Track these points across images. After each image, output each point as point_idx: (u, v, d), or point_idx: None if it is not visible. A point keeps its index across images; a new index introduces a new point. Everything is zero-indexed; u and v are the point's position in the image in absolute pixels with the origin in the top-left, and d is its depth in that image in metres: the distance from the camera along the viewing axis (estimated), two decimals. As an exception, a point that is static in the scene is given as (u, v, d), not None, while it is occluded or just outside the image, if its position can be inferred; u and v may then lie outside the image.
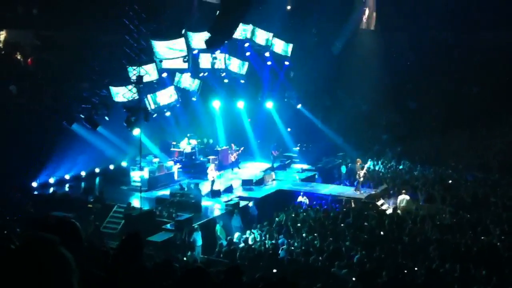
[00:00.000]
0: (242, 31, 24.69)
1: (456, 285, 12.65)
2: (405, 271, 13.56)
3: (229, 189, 22.24)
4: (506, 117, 32.19)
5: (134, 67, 21.03)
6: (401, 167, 28.75)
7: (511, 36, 32.39)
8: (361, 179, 22.96)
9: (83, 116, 21.41)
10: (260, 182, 23.68)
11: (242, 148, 27.02)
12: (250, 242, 16.50)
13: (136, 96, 21.26)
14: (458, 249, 15.29)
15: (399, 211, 20.18)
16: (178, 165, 24.38)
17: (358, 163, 23.63)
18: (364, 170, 23.45)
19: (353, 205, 20.93)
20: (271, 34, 26.79)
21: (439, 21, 34.34)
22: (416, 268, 13.78)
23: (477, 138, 31.34)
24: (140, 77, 20.55)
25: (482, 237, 16.69)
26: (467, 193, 22.78)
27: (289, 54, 28.62)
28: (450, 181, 25.08)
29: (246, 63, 26.56)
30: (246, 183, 23.34)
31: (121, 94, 21.71)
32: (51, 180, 22.44)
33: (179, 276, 6.97)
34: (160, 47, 22.50)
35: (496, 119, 32.07)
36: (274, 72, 30.37)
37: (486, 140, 31.18)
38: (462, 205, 20.85)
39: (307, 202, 21.54)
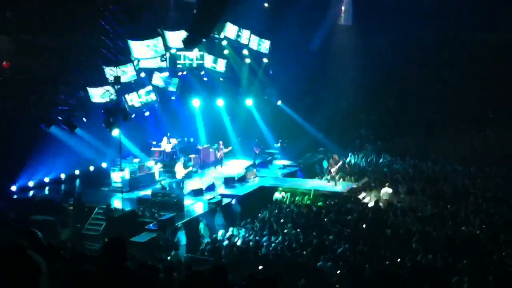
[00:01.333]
0: (219, 29, 24.65)
1: (438, 275, 12.82)
2: (388, 263, 13.72)
3: (211, 187, 22.18)
4: (485, 113, 32.85)
5: (111, 68, 20.84)
6: (381, 160, 29.05)
7: (494, 37, 32.98)
8: (333, 174, 23.14)
9: (60, 118, 21.15)
10: (242, 179, 23.69)
11: (230, 148, 27.02)
12: (234, 239, 16.51)
13: (114, 97, 21.08)
14: (439, 240, 15.51)
15: (380, 204, 20.39)
16: (159, 165, 24.26)
17: (334, 159, 23.79)
18: (339, 165, 23.61)
19: (335, 199, 21.06)
20: (248, 32, 26.79)
21: (418, 19, 34.65)
22: (398, 260, 13.94)
23: (456, 132, 31.80)
24: (117, 78, 20.38)
25: (463, 228, 16.94)
26: (447, 184, 23.16)
27: (267, 52, 28.68)
28: (429, 174, 25.44)
29: (224, 61, 26.53)
30: (228, 181, 23.30)
31: (99, 95, 21.51)
32: (31, 184, 22.16)
33: (161, 277, 6.97)
34: (137, 47, 22.37)
35: (475, 115, 32.70)
36: (253, 70, 30.40)
37: (465, 134, 31.70)
38: (442, 197, 21.17)
39: (288, 197, 21.59)
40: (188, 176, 22.74)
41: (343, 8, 36.64)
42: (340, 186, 22.82)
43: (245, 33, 26.62)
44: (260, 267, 13.19)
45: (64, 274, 4.77)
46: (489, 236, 15.90)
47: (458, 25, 33.69)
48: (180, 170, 21.94)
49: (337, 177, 23.23)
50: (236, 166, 26.69)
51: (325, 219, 17.99)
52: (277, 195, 21.83)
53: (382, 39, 35.43)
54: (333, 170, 23.19)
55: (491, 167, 26.11)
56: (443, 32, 34.80)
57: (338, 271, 13.26)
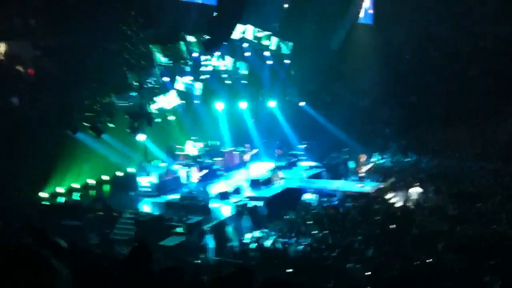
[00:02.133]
0: (240, 31, 24.70)
1: (464, 276, 12.65)
2: (415, 263, 13.59)
3: (237, 190, 22.21)
4: (508, 108, 32.31)
5: (135, 73, 21.05)
6: (407, 159, 28.79)
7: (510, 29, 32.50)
8: (363, 174, 22.95)
9: (87, 124, 21.40)
10: (268, 181, 23.67)
11: (256, 150, 27.03)
12: (261, 242, 16.52)
13: (138, 102, 21.27)
14: (466, 240, 15.29)
15: (408, 204, 20.19)
16: (186, 169, 24.38)
17: (362, 159, 23.64)
18: (370, 166, 23.51)
19: (362, 199, 20.90)
20: (270, 33, 26.80)
21: (436, 14, 34.34)
22: (426, 260, 13.79)
23: (480, 128, 31.40)
24: (141, 83, 20.58)
25: (490, 227, 16.66)
26: (473, 183, 22.84)
27: (288, 53, 28.64)
28: (455, 172, 25.16)
29: (246, 63, 26.62)
30: (254, 183, 23.31)
31: (123, 100, 21.74)
32: (60, 190, 22.44)
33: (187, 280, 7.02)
34: (159, 51, 22.56)
35: (498, 110, 32.21)
36: (275, 71, 30.39)
37: (489, 130, 31.27)
38: (469, 196, 20.86)
39: (316, 199, 21.49)
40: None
41: (364, 6, 36.39)
42: (367, 187, 22.65)
43: (266, 35, 26.67)
44: (289, 270, 13.14)
45: (89, 276, 4.88)
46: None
47: (474, 18, 33.32)
48: (195, 174, 22.03)
49: (364, 177, 23.07)
50: (261, 169, 26.68)
51: (352, 220, 17.88)
52: (307, 197, 21.74)
53: (401, 33, 35.21)
54: (362, 170, 23.01)
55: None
56: (461, 26, 34.44)
57: (367, 273, 13.19)
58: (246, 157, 26.44)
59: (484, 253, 13.91)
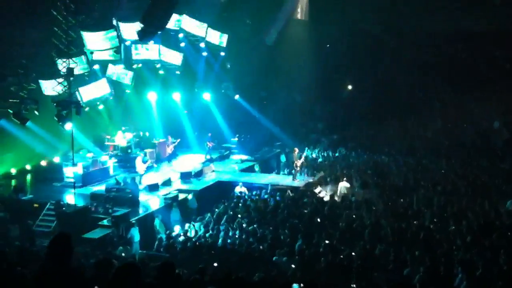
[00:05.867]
0: (175, 21, 24.32)
1: (390, 267, 13.05)
2: (342, 256, 13.88)
3: (167, 182, 21.91)
4: (434, 106, 33.80)
5: (64, 59, 20.26)
6: (337, 154, 29.43)
7: (438, 26, 33.83)
8: (298, 168, 23.28)
9: (11, 111, 20.43)
10: (199, 174, 23.51)
11: (178, 140, 26.69)
12: (190, 234, 16.36)
13: (66, 89, 20.50)
14: (392, 233, 15.79)
15: (336, 198, 20.61)
16: (114, 160, 23.77)
17: (295, 152, 23.96)
18: (302, 160, 23.83)
19: (291, 193, 21.14)
20: (205, 25, 26.55)
21: (368, 13, 35.27)
22: (353, 253, 14.11)
23: (407, 125, 32.65)
24: (70, 70, 19.85)
25: (415, 221, 17.28)
26: (399, 178, 23.67)
27: (224, 45, 28.51)
28: (382, 167, 25.98)
29: (181, 54, 26.26)
30: (185, 176, 23.08)
31: (51, 87, 20.90)
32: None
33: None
34: (91, 38, 21.85)
35: (425, 107, 33.61)
36: (210, 63, 30.19)
37: (415, 127, 32.58)
38: (395, 190, 21.59)
39: (246, 192, 21.56)
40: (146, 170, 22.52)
41: (299, 2, 36.83)
42: (298, 181, 22.94)
43: (203, 26, 26.40)
44: (215, 264, 13.06)
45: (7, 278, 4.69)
46: (439, 228, 16.34)
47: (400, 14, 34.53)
48: (140, 165, 21.67)
49: (298, 171, 23.36)
50: (193, 161, 26.46)
51: (282, 214, 18.05)
52: (238, 190, 21.75)
53: (334, 30, 35.94)
54: (298, 164, 23.28)
55: (440, 158, 26.94)
56: (391, 24, 35.61)
57: (293, 265, 13.34)
58: (169, 149, 26.16)
59: (408, 245, 14.42)
